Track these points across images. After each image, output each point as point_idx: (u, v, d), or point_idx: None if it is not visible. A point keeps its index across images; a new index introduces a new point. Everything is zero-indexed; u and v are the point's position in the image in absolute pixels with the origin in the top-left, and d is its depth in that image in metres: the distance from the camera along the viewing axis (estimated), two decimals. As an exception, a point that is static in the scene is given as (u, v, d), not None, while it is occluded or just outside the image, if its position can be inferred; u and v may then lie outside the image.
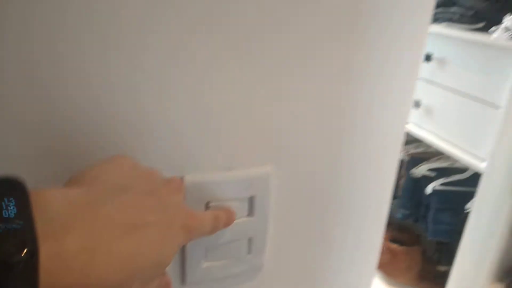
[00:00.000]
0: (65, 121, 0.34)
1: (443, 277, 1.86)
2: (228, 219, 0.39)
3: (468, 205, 1.63)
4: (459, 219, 1.70)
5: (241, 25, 0.37)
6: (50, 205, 0.22)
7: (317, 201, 0.48)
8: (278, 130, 0.42)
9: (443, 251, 1.95)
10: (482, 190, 1.50)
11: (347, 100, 0.43)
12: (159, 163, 0.38)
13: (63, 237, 0.21)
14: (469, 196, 1.62)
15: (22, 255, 0.19)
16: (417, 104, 1.78)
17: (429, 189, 1.83)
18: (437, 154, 1.92)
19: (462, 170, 1.80)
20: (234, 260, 0.45)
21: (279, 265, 0.49)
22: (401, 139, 0.50)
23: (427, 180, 1.87)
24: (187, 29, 0.35)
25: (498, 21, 1.48)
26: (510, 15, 1.43)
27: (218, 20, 0.36)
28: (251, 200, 0.43)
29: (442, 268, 1.93)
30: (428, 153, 1.97)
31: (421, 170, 1.92)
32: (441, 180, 1.82)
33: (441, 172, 1.87)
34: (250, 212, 0.44)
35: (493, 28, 1.48)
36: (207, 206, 0.41)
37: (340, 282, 0.55)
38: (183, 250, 0.43)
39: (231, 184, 0.41)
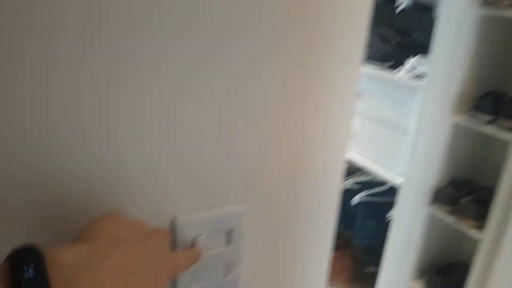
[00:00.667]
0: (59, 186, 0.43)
1: (372, 277, 2.07)
2: (196, 257, 0.47)
3: (389, 213, 1.86)
4: (383, 226, 1.92)
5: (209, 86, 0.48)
6: (62, 263, 0.27)
7: (280, 228, 0.60)
8: (249, 173, 0.54)
9: (371, 254, 2.16)
10: (400, 200, 1.73)
11: (301, 141, 0.56)
12: (151, 209, 0.48)
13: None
14: (390, 205, 1.86)
15: None
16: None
17: (355, 200, 2.06)
18: (359, 169, 2.16)
19: (382, 183, 2.04)
20: (216, 281, 0.56)
21: (253, 281, 0.61)
22: (342, 167, 0.59)
23: (352, 192, 2.09)
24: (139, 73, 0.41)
25: (403, 62, 1.75)
26: (411, 58, 1.70)
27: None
28: (229, 232, 0.54)
29: (371, 269, 2.15)
30: (352, 169, 2.20)
31: (347, 183, 2.14)
32: (365, 192, 2.05)
33: (364, 185, 2.11)
34: (228, 241, 0.55)
35: (399, 68, 1.75)
36: (194, 240, 0.52)
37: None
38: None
39: (213, 220, 0.52)
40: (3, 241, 0.33)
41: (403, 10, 1.80)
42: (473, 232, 1.55)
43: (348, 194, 2.12)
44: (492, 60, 1.59)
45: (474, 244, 1.57)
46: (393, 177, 1.79)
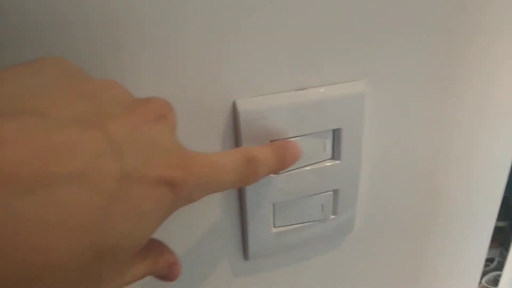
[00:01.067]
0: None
1: (500, 232, 1.72)
2: (279, 158, 0.25)
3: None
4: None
5: None
6: None
7: (426, 135, 0.33)
8: (374, 23, 0.27)
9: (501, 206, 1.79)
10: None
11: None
12: (196, 85, 0.25)
13: None
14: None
15: None
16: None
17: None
18: None
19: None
20: (314, 222, 0.32)
21: (373, 229, 0.36)
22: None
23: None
24: None
25: None
26: None
27: None
28: (336, 135, 0.30)
29: (498, 224, 1.78)
30: None
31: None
32: None
33: None
34: (335, 153, 0.30)
35: None
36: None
37: (448, 266, 0.42)
38: (241, 213, 0.30)
39: (304, 111, 0.28)
40: None
41: None
42: None
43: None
44: None
45: None
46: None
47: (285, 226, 0.32)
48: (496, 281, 1.61)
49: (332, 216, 0.33)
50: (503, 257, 1.54)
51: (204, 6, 0.23)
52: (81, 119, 0.15)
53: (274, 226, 0.31)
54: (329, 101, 0.28)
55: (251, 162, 0.22)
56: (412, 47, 0.29)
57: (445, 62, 0.31)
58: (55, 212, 0.13)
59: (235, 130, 0.27)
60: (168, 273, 0.21)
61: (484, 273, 1.65)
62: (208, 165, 0.19)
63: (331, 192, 0.31)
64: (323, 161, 0.30)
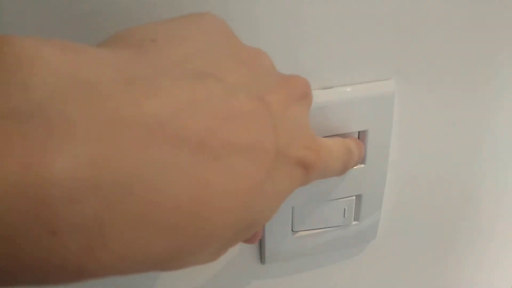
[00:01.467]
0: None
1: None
2: (360, 153, 0.26)
3: None
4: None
5: None
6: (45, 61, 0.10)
7: (458, 139, 0.31)
8: (404, 21, 0.26)
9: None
10: None
11: None
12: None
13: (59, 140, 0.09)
14: None
15: None
16: None
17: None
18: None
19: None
20: (334, 228, 0.31)
21: (397, 237, 0.34)
22: None
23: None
24: None
25: None
26: None
27: None
28: (361, 138, 0.28)
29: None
30: None
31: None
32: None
33: None
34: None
35: None
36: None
37: (475, 278, 0.40)
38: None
39: (329, 111, 0.26)
40: None
41: None
42: None
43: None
44: None
45: None
46: None
47: (304, 230, 0.30)
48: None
49: (354, 222, 0.31)
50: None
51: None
52: (245, 88, 0.15)
53: (292, 230, 0.30)
54: (356, 101, 0.26)
55: (350, 154, 0.22)
56: (446, 45, 0.27)
57: (481, 63, 0.29)
58: (231, 181, 0.13)
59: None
60: (251, 237, 0.22)
61: None
62: (328, 151, 0.19)
63: (354, 197, 0.30)
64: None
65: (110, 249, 0.11)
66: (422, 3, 0.25)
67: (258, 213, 0.15)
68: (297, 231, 0.30)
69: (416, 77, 0.28)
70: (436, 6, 0.26)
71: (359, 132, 0.28)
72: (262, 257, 0.31)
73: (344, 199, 0.30)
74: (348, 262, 0.34)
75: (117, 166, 0.10)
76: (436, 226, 0.36)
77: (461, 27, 0.27)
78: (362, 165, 0.29)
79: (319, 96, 0.26)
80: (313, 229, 0.30)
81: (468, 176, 0.34)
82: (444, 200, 0.34)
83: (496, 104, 0.31)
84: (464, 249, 0.38)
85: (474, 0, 0.26)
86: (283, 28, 0.24)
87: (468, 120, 0.31)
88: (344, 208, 0.30)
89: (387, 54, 0.26)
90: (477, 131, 0.32)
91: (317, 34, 0.24)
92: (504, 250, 0.41)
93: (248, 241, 0.23)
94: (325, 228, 0.30)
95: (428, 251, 0.37)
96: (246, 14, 0.23)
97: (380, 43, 0.26)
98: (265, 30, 0.23)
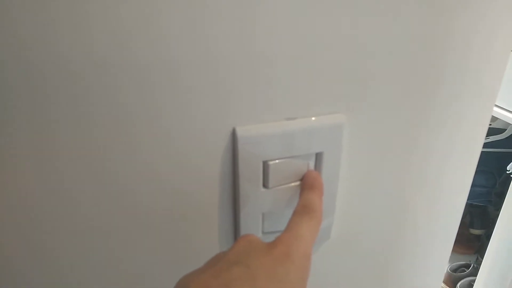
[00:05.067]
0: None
1: (477, 240, 1.80)
2: (320, 193, 0.33)
3: (509, 166, 1.53)
4: (499, 181, 1.60)
5: None
6: None
7: (395, 159, 0.39)
8: (352, 69, 0.33)
9: (475, 215, 1.86)
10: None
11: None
12: (204, 114, 0.30)
13: None
14: (508, 157, 1.52)
15: None
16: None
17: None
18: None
19: (500, 130, 1.68)
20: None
21: (348, 236, 0.42)
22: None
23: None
24: None
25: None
26: None
27: None
28: (318, 158, 0.35)
29: (475, 232, 1.86)
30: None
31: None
32: (478, 141, 1.71)
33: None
34: (317, 172, 0.36)
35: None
36: (265, 164, 0.33)
37: (415, 266, 0.48)
38: (236, 219, 0.36)
39: (293, 138, 0.33)
40: None
41: None
42: None
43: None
44: None
45: None
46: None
47: (272, 232, 0.37)
48: (470, 285, 1.69)
49: (312, 225, 0.38)
50: (479, 264, 1.61)
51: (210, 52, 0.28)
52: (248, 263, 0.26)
53: (262, 232, 0.37)
54: (313, 129, 0.34)
55: (315, 216, 0.31)
56: (384, 89, 0.35)
57: (411, 104, 0.37)
58: None
59: (233, 152, 0.33)
60: None
61: (460, 278, 1.72)
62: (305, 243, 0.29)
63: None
64: (306, 178, 0.36)
65: None
66: (367, 58, 0.33)
67: None
68: (266, 232, 0.37)
69: (361, 111, 0.35)
70: (377, 59, 0.33)
71: (316, 153, 0.35)
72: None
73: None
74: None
75: None
76: (380, 228, 0.43)
77: (399, 76, 0.34)
78: (319, 179, 0.36)
79: (286, 125, 0.33)
80: (279, 231, 0.37)
81: (404, 188, 0.42)
82: (386, 207, 0.42)
83: (423, 130, 0.39)
84: (405, 247, 0.46)
85: (411, 54, 0.34)
86: (256, 76, 0.30)
87: (400, 145, 0.39)
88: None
89: (338, 94, 0.34)
90: (407, 151, 0.39)
91: (285, 76, 0.31)
92: (436, 247, 0.49)
93: None
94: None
95: (375, 250, 0.45)
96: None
97: (334, 86, 0.33)
98: (236, 71, 0.30)
